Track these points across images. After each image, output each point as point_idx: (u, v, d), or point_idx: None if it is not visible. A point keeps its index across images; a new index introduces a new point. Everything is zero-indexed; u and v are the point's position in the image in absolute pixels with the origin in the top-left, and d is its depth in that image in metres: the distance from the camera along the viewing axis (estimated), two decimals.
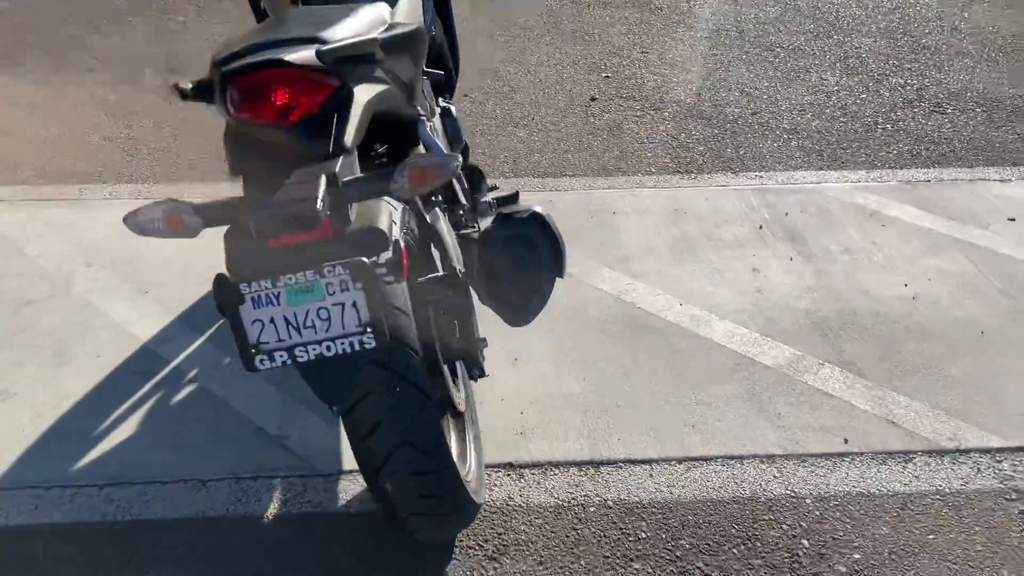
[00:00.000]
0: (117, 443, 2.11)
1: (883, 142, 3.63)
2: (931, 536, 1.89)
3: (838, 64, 4.39)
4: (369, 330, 1.33)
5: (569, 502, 1.98)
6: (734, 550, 1.87)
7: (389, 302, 1.42)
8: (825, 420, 2.19)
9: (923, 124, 3.78)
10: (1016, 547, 1.86)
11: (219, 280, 1.31)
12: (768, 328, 2.50)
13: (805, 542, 1.88)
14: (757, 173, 3.36)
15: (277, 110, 1.33)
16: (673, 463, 2.08)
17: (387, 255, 1.34)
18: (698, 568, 1.82)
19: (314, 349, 1.33)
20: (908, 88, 4.13)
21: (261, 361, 1.33)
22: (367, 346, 1.33)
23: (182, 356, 2.40)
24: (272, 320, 1.31)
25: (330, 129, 1.37)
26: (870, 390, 2.28)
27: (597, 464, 2.07)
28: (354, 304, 1.32)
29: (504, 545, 1.87)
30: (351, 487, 2.00)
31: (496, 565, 1.83)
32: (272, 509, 1.95)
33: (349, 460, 2.05)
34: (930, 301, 2.62)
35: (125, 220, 1.31)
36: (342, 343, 1.33)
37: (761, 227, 2.99)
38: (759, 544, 1.88)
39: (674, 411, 2.21)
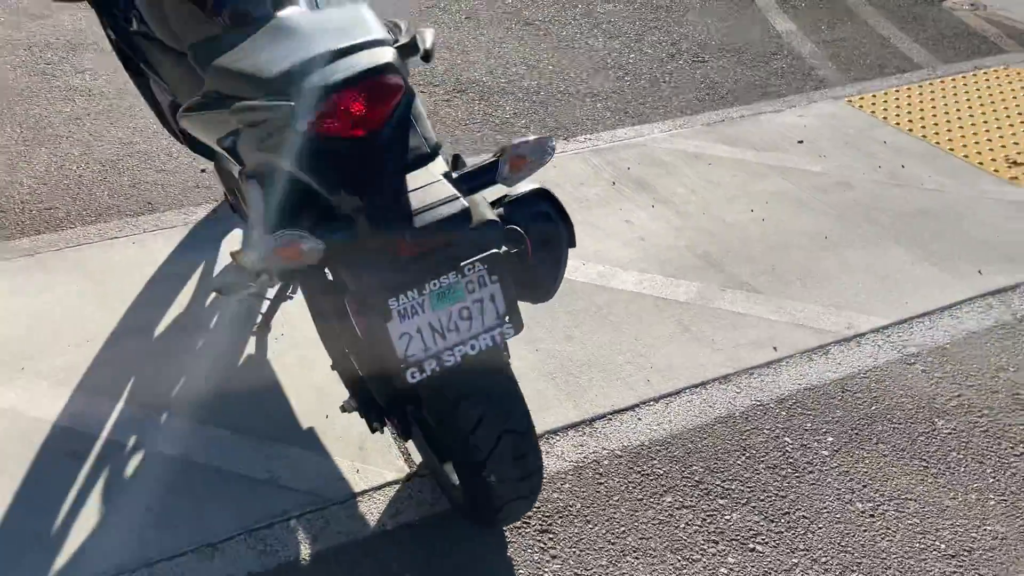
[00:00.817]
0: (89, 537, 1.85)
1: (670, 94, 4.04)
2: (873, 407, 2.24)
3: (596, 30, 4.77)
4: (507, 320, 1.33)
5: (583, 461, 2.07)
6: (737, 462, 2.08)
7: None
8: (751, 335, 2.47)
9: (693, 74, 4.25)
10: (932, 397, 2.27)
11: (366, 303, 1.22)
12: (666, 269, 2.74)
13: (787, 439, 2.14)
14: (586, 136, 3.60)
15: (385, 115, 1.27)
16: (651, 403, 2.24)
17: (508, 244, 1.34)
18: (718, 485, 2.01)
19: (460, 350, 1.31)
20: (665, 44, 4.60)
21: (412, 375, 1.29)
22: (507, 336, 1.33)
23: (108, 425, 2.14)
24: (419, 330, 1.27)
25: (410, 130, 1.33)
26: (770, 301, 2.60)
27: (590, 421, 2.18)
28: (492, 298, 1.31)
29: (547, 516, 1.93)
30: (373, 505, 1.93)
31: (550, 536, 1.88)
32: (305, 550, 1.84)
33: (355, 480, 1.98)
34: (775, 219, 3.02)
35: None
36: (484, 338, 1.32)
37: (614, 183, 3.23)
38: (753, 451, 2.10)
39: (629, 358, 2.37)
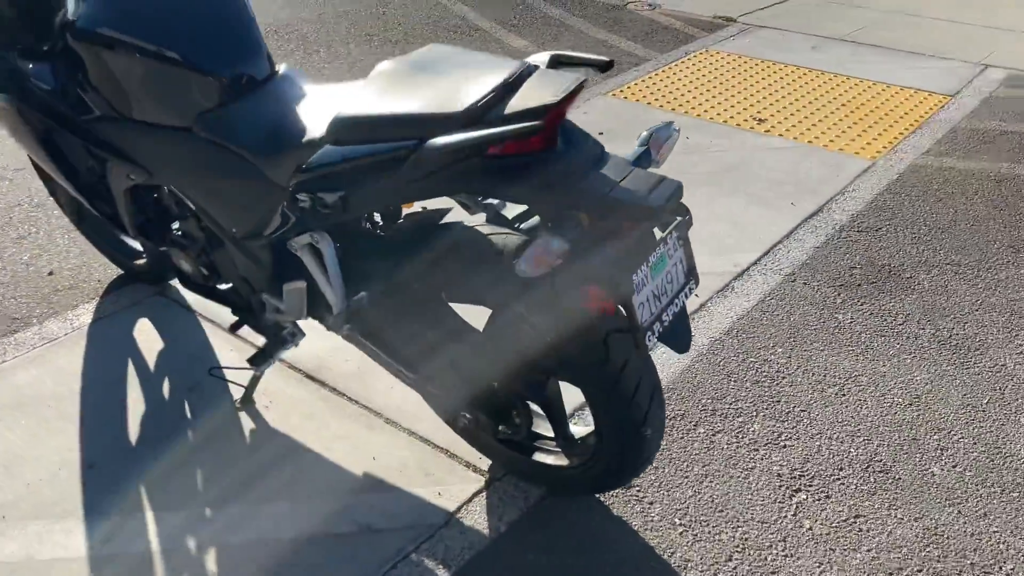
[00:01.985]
0: None
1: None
2: (792, 318, 2.74)
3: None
4: (691, 278, 1.54)
5: None
6: (729, 387, 2.45)
7: None
8: None
9: None
10: (821, 299, 2.83)
11: (613, 282, 1.36)
12: None
13: (751, 359, 2.56)
14: None
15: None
16: None
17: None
18: (729, 407, 2.37)
19: (671, 310, 1.50)
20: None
21: (648, 338, 1.45)
22: (694, 293, 1.55)
23: (153, 540, 1.97)
24: (647, 299, 1.44)
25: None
26: None
27: None
28: (680, 260, 1.52)
29: None
30: (475, 517, 2.01)
31: (636, 488, 2.11)
32: (444, 574, 1.88)
33: (443, 502, 2.04)
34: None
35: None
36: (681, 297, 1.52)
37: None
38: (734, 374, 2.49)
39: None
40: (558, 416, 1.88)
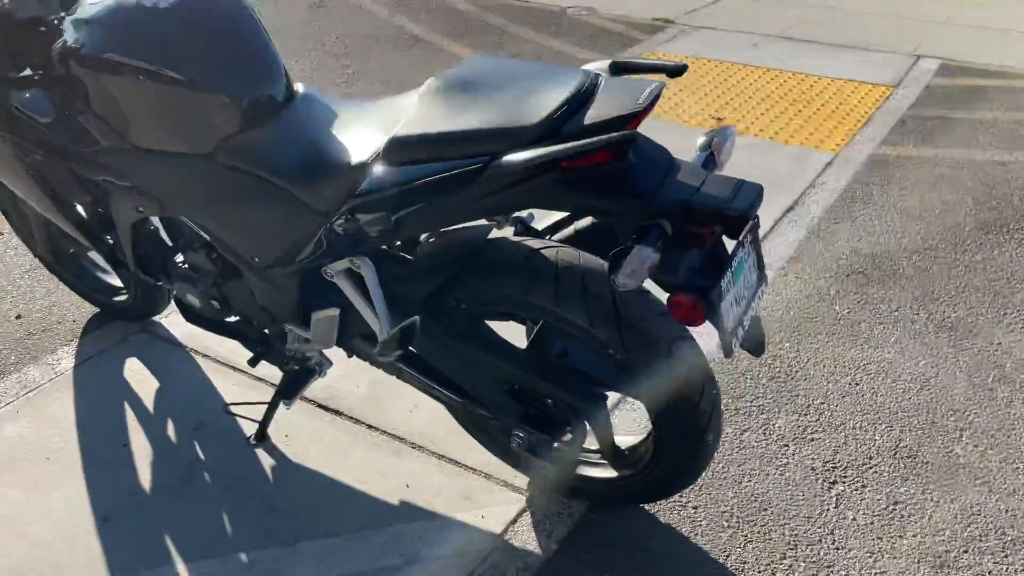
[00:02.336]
0: None
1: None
2: (793, 312, 2.78)
3: None
4: (763, 280, 1.53)
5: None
6: (747, 385, 2.46)
7: None
8: None
9: None
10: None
11: (701, 290, 1.34)
12: None
13: (781, 348, 2.58)
14: None
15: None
16: None
17: None
18: (751, 405, 2.38)
19: (750, 312, 1.48)
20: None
21: (735, 344, 1.43)
22: (765, 293, 1.53)
23: None
24: (730, 305, 1.42)
25: None
26: None
27: None
28: (754, 263, 1.51)
29: None
30: (523, 536, 1.97)
31: (680, 493, 2.09)
32: None
33: (489, 524, 1.99)
34: None
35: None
36: (756, 299, 1.51)
37: None
38: (750, 371, 2.51)
39: None
40: (606, 427, 1.85)
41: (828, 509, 2.05)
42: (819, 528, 2.00)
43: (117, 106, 1.74)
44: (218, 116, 1.70)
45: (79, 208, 2.11)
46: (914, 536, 1.98)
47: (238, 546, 1.95)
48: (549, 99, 1.43)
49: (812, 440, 2.26)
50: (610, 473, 1.95)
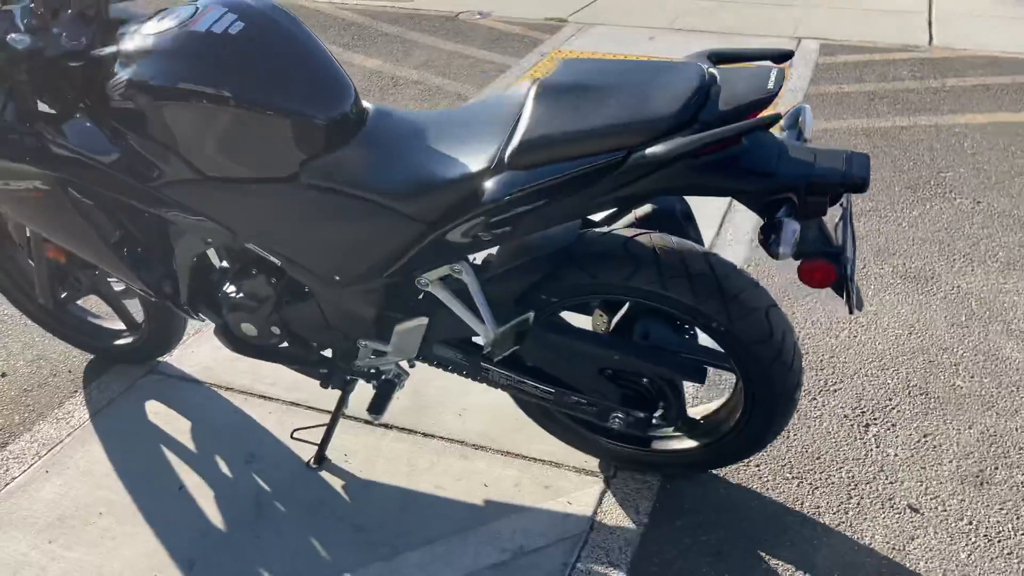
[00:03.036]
0: None
1: None
2: (776, 279, 2.99)
3: None
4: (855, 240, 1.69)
5: None
6: None
7: None
8: None
9: None
10: None
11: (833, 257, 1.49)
12: None
13: None
14: None
15: None
16: None
17: None
18: None
19: (851, 270, 1.62)
20: None
21: (850, 301, 1.58)
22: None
23: None
24: (850, 264, 1.56)
25: None
26: None
27: None
28: (852, 227, 1.66)
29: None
30: (614, 516, 2.05)
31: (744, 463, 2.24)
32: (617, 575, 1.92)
33: (578, 509, 2.06)
34: None
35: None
36: (853, 256, 1.66)
37: None
38: None
39: None
40: (679, 398, 1.96)
41: (871, 449, 2.24)
42: (870, 467, 2.19)
43: (190, 136, 1.69)
44: (299, 138, 1.70)
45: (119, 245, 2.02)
46: (951, 462, 2.20)
47: (340, 568, 1.93)
48: (678, 90, 1.53)
49: (835, 391, 2.46)
50: (688, 444, 2.06)
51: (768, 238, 1.46)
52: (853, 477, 2.16)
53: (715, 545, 1.98)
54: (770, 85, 1.50)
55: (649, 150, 1.48)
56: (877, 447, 2.25)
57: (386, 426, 2.34)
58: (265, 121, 1.67)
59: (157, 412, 2.41)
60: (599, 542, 1.99)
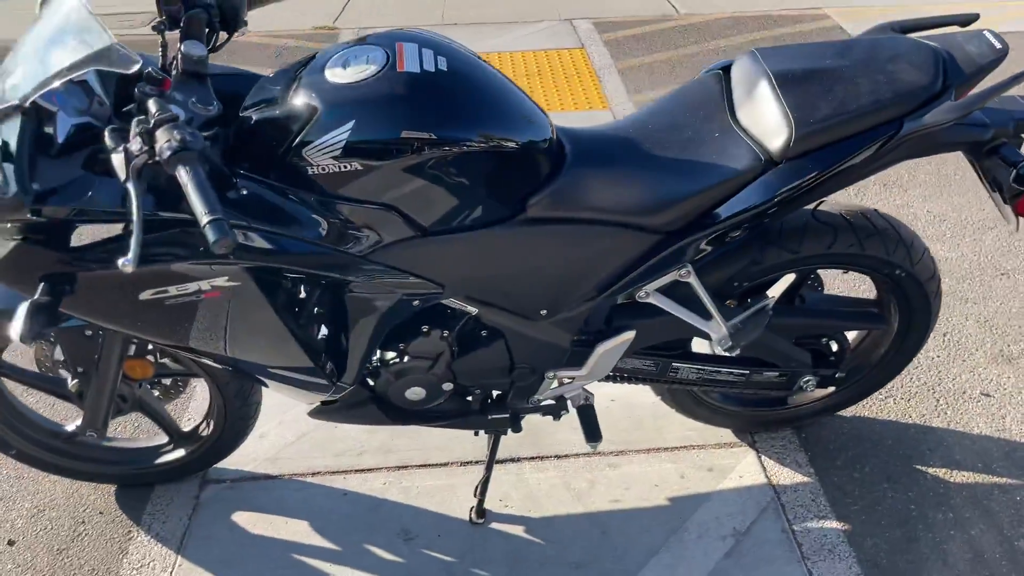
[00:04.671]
0: None
1: None
2: None
3: None
4: None
5: None
6: None
7: None
8: None
9: None
10: None
11: None
12: None
13: None
14: None
15: None
16: None
17: None
18: None
19: None
20: None
21: None
22: None
23: None
24: None
25: None
26: None
27: None
28: None
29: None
30: (782, 474, 2.17)
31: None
32: (773, 530, 2.05)
33: (746, 480, 2.16)
34: None
35: None
36: None
37: None
38: None
39: None
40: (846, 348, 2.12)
41: (960, 398, 2.41)
42: (967, 403, 2.44)
43: (414, 190, 1.49)
44: (524, 171, 1.58)
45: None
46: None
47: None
48: (924, 62, 1.64)
49: None
50: (822, 391, 2.22)
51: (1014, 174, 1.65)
52: (965, 392, 2.44)
53: (881, 470, 2.18)
54: (998, 46, 1.69)
55: (927, 116, 1.59)
56: (963, 394, 2.47)
57: (512, 460, 2.23)
58: (492, 159, 1.53)
59: (255, 523, 2.07)
60: (793, 501, 2.09)
